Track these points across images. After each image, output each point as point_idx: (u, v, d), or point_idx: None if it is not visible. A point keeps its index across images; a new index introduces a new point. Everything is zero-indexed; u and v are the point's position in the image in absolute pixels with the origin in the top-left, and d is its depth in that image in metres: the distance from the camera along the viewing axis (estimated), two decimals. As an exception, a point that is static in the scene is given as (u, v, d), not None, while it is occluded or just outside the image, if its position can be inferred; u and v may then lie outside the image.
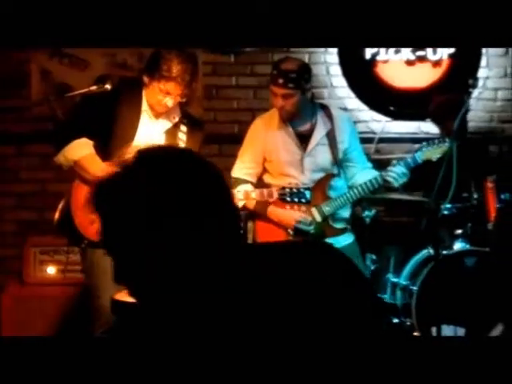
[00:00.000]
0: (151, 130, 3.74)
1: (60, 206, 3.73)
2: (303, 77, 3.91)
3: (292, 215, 3.96)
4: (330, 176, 4.07)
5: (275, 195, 3.76)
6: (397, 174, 3.93)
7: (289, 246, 1.45)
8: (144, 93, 3.70)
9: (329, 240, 3.99)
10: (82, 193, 3.66)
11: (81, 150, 3.64)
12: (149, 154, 1.42)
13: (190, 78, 3.59)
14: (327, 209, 4.02)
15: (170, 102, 3.61)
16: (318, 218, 4.03)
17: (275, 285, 1.29)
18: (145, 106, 3.71)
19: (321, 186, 4.05)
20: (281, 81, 3.86)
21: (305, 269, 1.31)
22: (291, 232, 4.02)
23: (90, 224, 3.61)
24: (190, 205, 1.35)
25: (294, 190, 3.75)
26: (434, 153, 4.01)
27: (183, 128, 3.79)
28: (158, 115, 3.73)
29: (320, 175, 4.06)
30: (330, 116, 4.09)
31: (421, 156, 4.00)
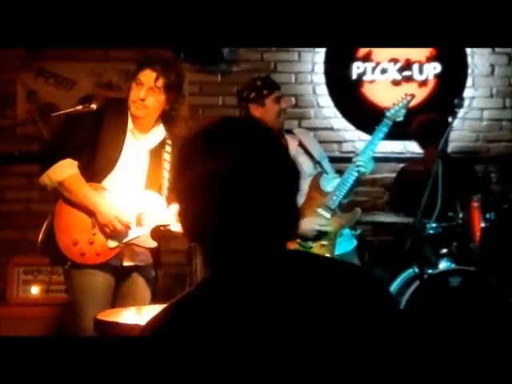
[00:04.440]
0: (136, 150, 3.72)
1: (43, 227, 3.70)
2: None
3: (308, 224, 3.96)
4: (319, 174, 4.14)
5: None
6: (363, 161, 4.00)
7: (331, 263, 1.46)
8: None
9: (340, 240, 4.06)
10: (65, 214, 3.63)
11: (65, 170, 3.61)
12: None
13: (167, 72, 3.60)
14: (331, 202, 4.05)
15: (142, 92, 3.58)
16: (328, 215, 4.04)
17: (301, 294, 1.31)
18: (130, 126, 3.70)
19: (314, 187, 4.09)
20: (277, 85, 4.17)
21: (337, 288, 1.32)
22: (303, 241, 4.00)
23: (73, 245, 3.59)
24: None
25: None
26: (398, 112, 4.09)
27: (168, 148, 3.77)
28: (142, 130, 3.71)
29: (308, 181, 4.10)
30: (291, 132, 4.30)
31: (390, 119, 4.07)
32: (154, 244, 3.70)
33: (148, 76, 3.58)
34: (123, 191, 3.67)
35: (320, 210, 4.05)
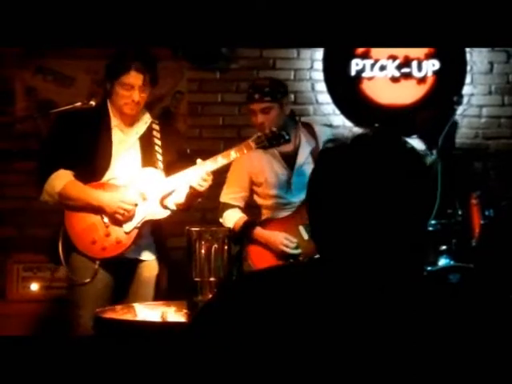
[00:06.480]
0: (126, 142, 3.76)
1: (60, 243, 3.68)
2: (278, 90, 3.93)
3: (278, 238, 3.90)
4: None
5: (253, 146, 3.69)
6: None
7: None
8: (110, 105, 3.71)
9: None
10: (75, 220, 3.66)
11: (60, 180, 3.66)
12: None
13: (149, 66, 3.65)
14: None
15: (136, 95, 3.61)
16: (306, 237, 3.89)
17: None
18: (115, 122, 3.72)
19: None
20: (257, 96, 3.89)
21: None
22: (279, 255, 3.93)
23: (91, 244, 3.62)
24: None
25: (270, 135, 3.69)
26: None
27: (156, 133, 3.80)
28: (129, 124, 3.75)
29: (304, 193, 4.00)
30: (313, 134, 4.06)
31: None
32: (165, 213, 3.69)
33: (135, 78, 3.62)
34: (123, 178, 3.69)
35: (301, 228, 3.93)
